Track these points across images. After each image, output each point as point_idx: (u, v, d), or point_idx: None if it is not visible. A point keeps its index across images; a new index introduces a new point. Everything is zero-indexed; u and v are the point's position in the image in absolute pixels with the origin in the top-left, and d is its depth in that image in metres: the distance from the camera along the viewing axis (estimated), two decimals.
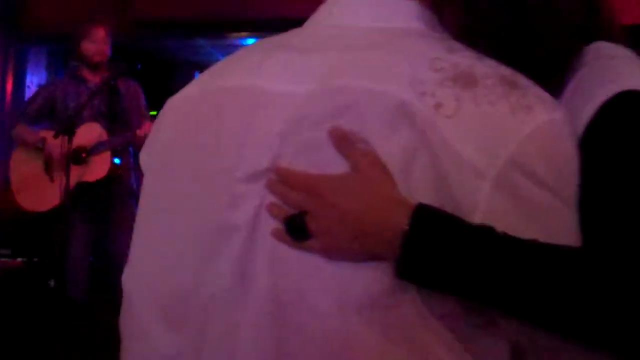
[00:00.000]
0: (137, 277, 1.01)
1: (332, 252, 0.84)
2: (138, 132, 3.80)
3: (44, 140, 3.91)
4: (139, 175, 5.53)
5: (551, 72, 0.96)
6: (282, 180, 0.86)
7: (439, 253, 0.80)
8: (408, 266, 0.80)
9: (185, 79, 8.90)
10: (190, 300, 0.91)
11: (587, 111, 0.91)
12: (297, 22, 3.66)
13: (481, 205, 0.80)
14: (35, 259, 5.01)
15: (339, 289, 0.83)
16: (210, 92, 0.98)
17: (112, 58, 4.11)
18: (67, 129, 3.61)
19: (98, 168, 3.80)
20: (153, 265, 0.98)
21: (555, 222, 0.83)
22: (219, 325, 0.89)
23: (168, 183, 0.99)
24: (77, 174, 3.69)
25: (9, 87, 6.33)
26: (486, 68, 0.86)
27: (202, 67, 9.05)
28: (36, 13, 6.35)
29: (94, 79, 4.03)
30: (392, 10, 0.96)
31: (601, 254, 0.81)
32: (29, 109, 4.10)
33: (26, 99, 6.24)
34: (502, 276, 0.79)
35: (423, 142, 0.81)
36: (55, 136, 3.66)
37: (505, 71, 0.87)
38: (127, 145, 3.92)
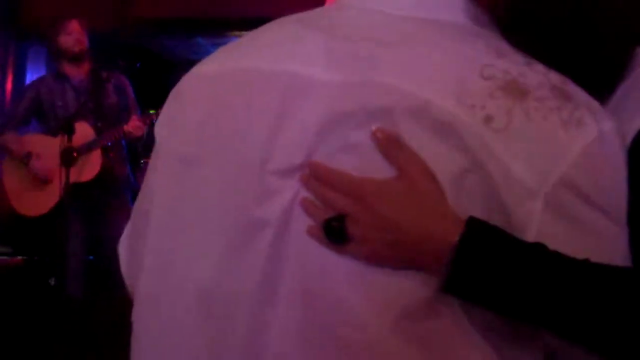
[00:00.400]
0: (161, 276, 0.93)
1: (371, 259, 0.79)
2: (125, 127, 3.78)
3: (29, 155, 3.89)
4: (135, 166, 5.54)
5: (608, 76, 0.92)
6: (320, 177, 0.81)
7: (489, 269, 0.77)
8: (456, 280, 0.77)
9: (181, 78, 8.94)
10: (214, 297, 0.86)
11: (638, 118, 0.86)
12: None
13: (533, 224, 0.78)
14: (36, 257, 5.01)
15: (376, 298, 0.79)
16: (237, 74, 0.90)
17: (110, 56, 4.10)
18: (65, 127, 3.62)
19: (90, 168, 3.78)
20: (178, 262, 0.91)
21: (606, 242, 0.80)
22: (244, 324, 0.84)
23: (190, 170, 0.90)
24: (71, 175, 3.68)
25: (9, 85, 6.34)
26: (537, 76, 0.82)
27: None
28: (36, 11, 6.34)
29: (77, 74, 4.00)
30: (435, 0, 0.90)
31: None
32: (17, 110, 4.08)
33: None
34: (552, 295, 0.76)
35: (472, 158, 0.77)
36: (54, 134, 3.67)
37: (556, 79, 0.83)
38: (117, 141, 3.88)
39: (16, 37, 6.42)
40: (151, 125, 3.88)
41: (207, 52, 5.22)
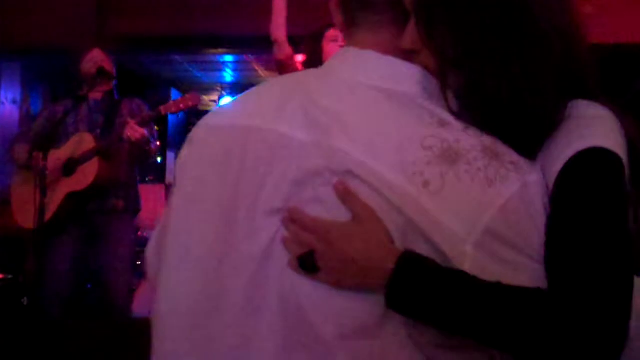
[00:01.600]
0: (170, 296, 1.11)
1: (336, 284, 1.01)
2: (124, 133, 3.71)
3: (31, 162, 3.87)
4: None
5: (538, 132, 1.07)
6: (295, 220, 1.03)
7: (418, 287, 0.97)
8: (393, 296, 0.98)
9: (161, 94, 8.91)
10: (211, 315, 1.06)
11: (557, 165, 1.02)
12: (270, 39, 3.61)
13: (467, 261, 0.97)
14: (10, 277, 4.95)
15: (332, 318, 1.01)
16: (237, 129, 1.11)
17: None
18: (42, 146, 3.58)
19: (84, 176, 3.74)
20: (181, 281, 1.10)
21: (529, 276, 0.99)
22: (231, 339, 1.05)
23: (194, 206, 1.11)
24: (68, 186, 3.65)
25: None
26: (471, 139, 1.03)
27: (177, 82, 9.06)
28: (9, 27, 6.30)
29: (95, 96, 4.01)
30: (398, 73, 1.11)
31: (545, 293, 0.97)
32: (29, 131, 4.09)
33: (0, 115, 6.20)
34: (462, 307, 0.96)
35: (406, 218, 0.99)
36: (29, 152, 3.64)
37: (488, 140, 1.03)
38: (117, 150, 3.84)
39: None
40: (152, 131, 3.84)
41: (182, 69, 5.23)
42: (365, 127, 1.04)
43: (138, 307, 5.26)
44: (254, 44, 6.52)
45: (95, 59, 4.04)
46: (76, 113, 3.93)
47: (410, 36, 1.10)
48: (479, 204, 0.98)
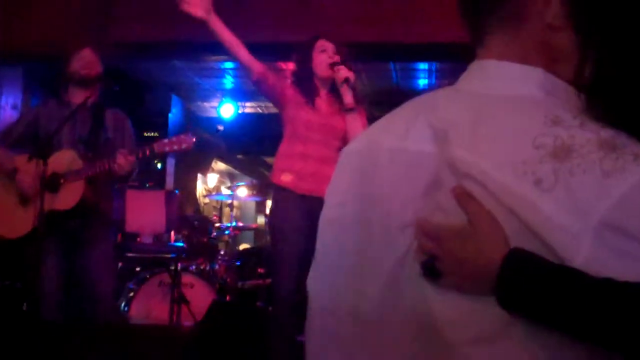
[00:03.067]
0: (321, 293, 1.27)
1: (458, 288, 1.06)
2: (112, 163, 3.67)
3: (15, 170, 3.82)
4: (122, 196, 5.51)
5: None
6: (421, 229, 1.10)
7: (524, 281, 0.98)
8: (500, 292, 1.00)
9: (161, 100, 8.92)
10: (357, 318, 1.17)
11: None
12: (270, 46, 3.67)
13: (581, 256, 0.96)
14: (7, 283, 4.95)
15: (465, 322, 1.05)
16: (370, 151, 1.23)
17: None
18: (42, 153, 3.56)
19: (69, 197, 3.70)
20: (329, 283, 1.25)
21: None
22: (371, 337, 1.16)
23: (342, 223, 1.26)
24: (50, 201, 3.62)
25: None
26: (586, 134, 1.01)
27: (178, 88, 9.07)
28: (11, 33, 6.31)
29: (79, 102, 3.90)
30: (515, 77, 1.15)
31: None
32: (13, 129, 4.00)
33: (0, 120, 6.20)
34: (572, 304, 0.95)
35: (521, 221, 1.00)
36: (29, 159, 3.61)
37: (607, 134, 1.01)
38: (103, 174, 3.80)
39: None
40: (144, 159, 3.81)
41: (183, 75, 5.24)
42: (482, 133, 1.08)
43: (135, 313, 5.28)
44: (254, 51, 6.54)
45: (86, 59, 3.98)
46: (58, 117, 3.89)
47: (553, 9, 1.11)
48: (595, 196, 0.96)
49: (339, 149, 3.78)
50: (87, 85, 3.92)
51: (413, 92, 8.85)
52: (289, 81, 3.88)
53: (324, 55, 3.81)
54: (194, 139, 3.73)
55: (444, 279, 1.06)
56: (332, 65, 3.75)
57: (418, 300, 1.09)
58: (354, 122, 3.77)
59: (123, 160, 3.63)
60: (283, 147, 3.82)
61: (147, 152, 3.70)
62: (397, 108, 1.28)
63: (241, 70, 8.42)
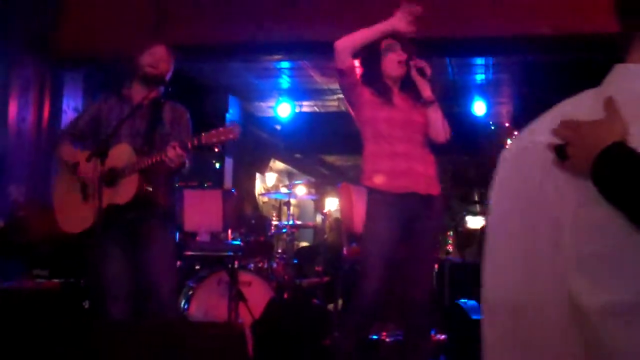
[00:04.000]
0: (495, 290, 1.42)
1: (576, 169, 1.26)
2: (164, 156, 3.71)
3: (77, 164, 3.89)
4: (180, 196, 5.57)
5: None
6: (562, 124, 1.30)
7: (618, 165, 1.19)
8: (596, 171, 1.20)
9: (219, 101, 9.01)
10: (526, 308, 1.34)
11: None
12: (326, 45, 3.65)
13: None
14: (72, 280, 5.06)
15: (606, 300, 1.22)
16: (521, 149, 1.41)
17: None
18: (100, 152, 3.62)
19: (126, 190, 3.76)
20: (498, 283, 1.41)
21: None
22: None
23: (504, 220, 1.41)
24: (109, 196, 3.68)
25: (46, 112, 6.43)
26: None
27: (235, 89, 9.15)
28: (71, 37, 6.46)
29: (141, 98, 3.92)
30: None
31: None
32: (77, 125, 4.07)
33: (63, 124, 6.34)
34: None
35: None
36: (88, 160, 3.67)
37: None
38: (156, 167, 3.85)
39: (52, 62, 6.51)
40: (197, 151, 3.85)
41: (239, 76, 5.25)
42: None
43: (194, 311, 5.35)
44: (310, 50, 6.57)
45: (157, 57, 4.01)
46: (120, 115, 3.94)
47: None
48: None
49: (423, 143, 3.78)
50: (151, 83, 3.95)
51: (469, 87, 8.78)
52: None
53: (393, 55, 3.78)
54: (240, 128, 3.74)
55: (569, 161, 1.26)
56: (406, 62, 3.74)
57: (573, 290, 1.26)
58: (435, 114, 3.77)
59: (172, 152, 3.66)
60: (369, 149, 3.79)
61: (195, 142, 3.72)
62: (549, 110, 1.42)
63: (297, 70, 8.46)
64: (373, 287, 3.60)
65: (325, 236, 8.80)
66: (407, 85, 3.80)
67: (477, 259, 8.86)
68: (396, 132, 3.73)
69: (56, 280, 5.19)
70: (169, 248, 3.97)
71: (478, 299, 5.52)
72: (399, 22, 3.73)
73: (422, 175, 3.73)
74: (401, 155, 3.71)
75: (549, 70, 7.66)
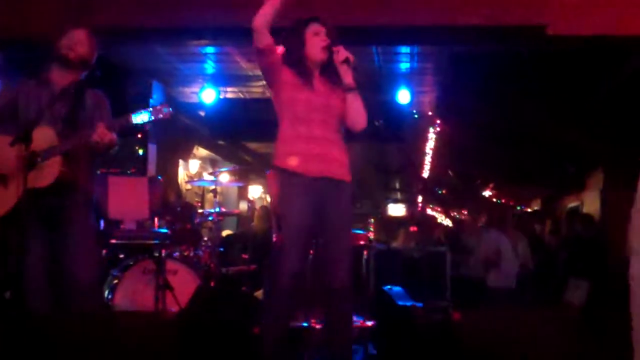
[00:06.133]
0: None
1: None
2: (91, 137, 3.65)
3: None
4: (100, 182, 5.46)
5: None
6: None
7: None
8: None
9: (142, 86, 8.86)
10: None
11: None
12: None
13: None
14: None
15: None
16: None
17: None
18: (24, 137, 3.53)
19: (47, 173, 3.67)
20: None
21: None
22: None
23: None
24: (29, 180, 3.58)
25: None
26: None
27: (159, 74, 9.01)
28: None
29: (61, 81, 3.88)
30: None
31: None
32: None
33: None
34: None
35: None
36: (12, 144, 3.57)
37: None
38: (80, 149, 3.76)
39: None
40: (121, 134, 3.78)
41: (164, 61, 5.17)
42: None
43: (119, 300, 5.26)
44: (236, 35, 6.50)
45: (76, 41, 3.93)
46: (38, 99, 3.85)
47: None
48: None
49: (338, 129, 3.80)
50: (68, 66, 3.88)
51: (394, 75, 8.88)
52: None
53: (317, 39, 3.80)
54: (171, 110, 3.70)
55: None
56: (329, 47, 3.75)
57: None
58: (355, 102, 3.79)
59: (100, 133, 3.60)
60: (284, 131, 3.79)
61: (124, 123, 3.67)
62: None
63: (222, 55, 8.37)
64: (289, 269, 3.61)
65: (253, 224, 8.79)
66: (328, 70, 3.82)
67: (399, 246, 8.99)
68: (314, 115, 3.74)
69: None
70: (89, 235, 3.90)
71: (404, 285, 5.61)
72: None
73: (337, 160, 3.77)
74: (317, 139, 3.73)
75: (473, 60, 7.80)
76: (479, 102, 8.75)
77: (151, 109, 3.72)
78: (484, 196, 16.63)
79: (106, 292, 5.31)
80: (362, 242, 6.21)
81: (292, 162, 3.70)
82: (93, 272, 3.92)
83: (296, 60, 3.80)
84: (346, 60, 3.73)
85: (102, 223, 5.49)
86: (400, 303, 4.96)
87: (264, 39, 3.68)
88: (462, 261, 8.07)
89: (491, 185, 16.27)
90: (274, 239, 5.25)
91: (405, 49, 8.06)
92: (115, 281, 5.33)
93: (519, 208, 15.62)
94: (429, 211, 18.52)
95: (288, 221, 3.68)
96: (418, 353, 4.21)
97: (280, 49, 3.80)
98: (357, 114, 3.80)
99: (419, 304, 4.88)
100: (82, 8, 5.93)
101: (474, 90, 8.49)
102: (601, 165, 10.67)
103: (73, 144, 3.67)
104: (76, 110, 3.85)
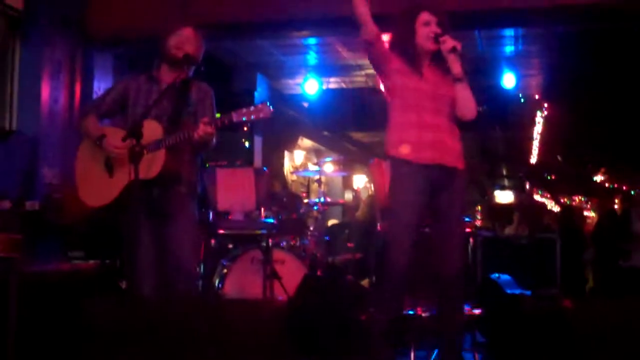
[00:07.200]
0: None
1: None
2: (194, 132, 3.73)
3: (102, 137, 3.91)
4: (209, 175, 5.60)
5: None
6: None
7: None
8: None
9: (247, 79, 9.01)
10: None
11: None
12: (353, 20, 3.62)
13: None
14: (108, 261, 5.11)
15: None
16: None
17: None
18: (135, 132, 3.64)
19: (151, 167, 3.78)
20: None
21: None
22: None
23: None
24: (134, 172, 3.70)
25: (78, 93, 6.47)
26: None
27: (263, 67, 9.14)
28: (101, 17, 6.49)
29: (169, 79, 3.95)
30: None
31: None
32: (104, 100, 4.09)
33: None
34: None
35: None
36: (124, 139, 3.69)
37: None
38: (183, 143, 3.86)
39: (83, 43, 6.55)
40: (226, 129, 3.86)
41: (267, 54, 5.23)
42: None
43: (229, 289, 5.38)
44: (336, 26, 6.52)
45: (183, 38, 3.99)
46: (147, 95, 3.96)
47: None
48: None
49: (450, 116, 3.76)
50: (176, 64, 3.96)
51: (498, 59, 8.69)
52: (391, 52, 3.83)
53: (427, 29, 3.76)
54: (272, 108, 3.74)
55: None
56: (437, 37, 3.71)
57: None
58: (464, 91, 3.74)
59: (203, 129, 3.69)
60: (395, 119, 3.78)
61: (226, 121, 3.74)
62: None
63: (324, 46, 8.42)
64: (401, 258, 3.62)
65: (357, 213, 8.81)
66: (438, 59, 3.77)
67: (507, 234, 8.82)
68: (425, 102, 3.71)
69: (92, 261, 5.25)
70: (191, 225, 4.00)
71: (511, 273, 5.51)
72: None
73: (450, 148, 3.73)
74: (429, 126, 3.70)
75: (579, 41, 7.56)
76: (587, 84, 8.49)
77: (252, 107, 3.77)
78: (595, 181, 16.10)
79: (216, 282, 5.43)
80: (467, 230, 6.12)
81: (405, 150, 3.68)
82: (194, 260, 4.03)
83: (406, 49, 3.77)
84: (453, 50, 3.68)
85: (210, 214, 5.60)
86: (509, 291, 4.89)
87: (369, 28, 3.69)
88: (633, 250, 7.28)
89: (602, 170, 15.72)
90: (378, 228, 5.25)
91: (509, 32, 7.89)
92: (225, 271, 5.45)
93: (633, 193, 15.03)
94: (538, 197, 18.08)
95: (399, 212, 3.68)
96: (526, 342, 4.13)
97: (387, 36, 3.79)
98: (466, 103, 3.74)
99: (527, 292, 4.79)
100: (186, 4, 6.08)
101: (582, 71, 8.24)
102: None
103: (176, 139, 3.77)
104: (180, 106, 3.94)
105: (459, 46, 3.68)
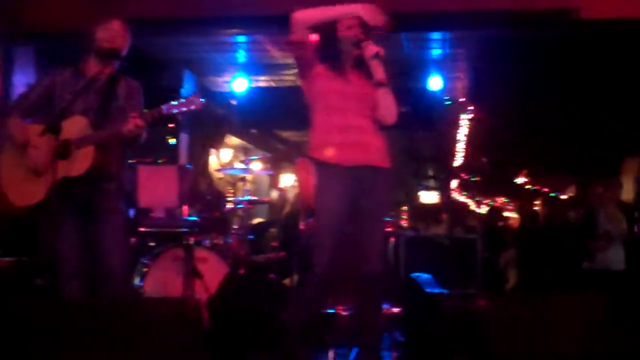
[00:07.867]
0: None
1: None
2: (124, 127, 3.70)
3: (27, 144, 3.84)
4: (134, 172, 5.54)
5: None
6: None
7: None
8: None
9: (175, 76, 8.92)
10: None
11: None
12: (284, 19, 3.64)
13: None
14: (24, 258, 5.01)
15: None
16: None
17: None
18: (53, 127, 3.58)
19: (80, 163, 3.72)
20: None
21: None
22: None
23: None
24: (62, 169, 3.64)
25: None
26: None
27: (191, 63, 9.06)
28: (24, 12, 6.34)
29: (96, 72, 3.90)
30: None
31: None
32: (25, 101, 4.01)
33: (14, 97, 6.24)
34: None
35: None
36: (42, 134, 3.63)
37: None
38: (113, 140, 3.82)
39: (3, 37, 6.39)
40: (152, 124, 3.83)
41: (195, 51, 5.20)
42: None
43: (150, 288, 5.34)
44: (266, 24, 6.53)
45: (113, 32, 3.96)
46: (73, 88, 3.90)
47: None
48: None
49: (373, 119, 3.79)
50: (106, 58, 3.92)
51: (425, 62, 8.82)
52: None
53: (350, 33, 3.79)
54: (203, 101, 3.73)
55: None
56: (359, 42, 3.74)
57: None
58: (386, 96, 3.77)
59: (133, 124, 3.65)
60: (319, 122, 3.80)
61: (156, 114, 3.71)
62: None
63: (253, 44, 8.40)
64: (324, 260, 3.65)
65: (285, 211, 8.82)
66: (361, 63, 3.81)
67: (430, 233, 8.96)
68: (349, 104, 3.74)
69: (8, 259, 5.13)
70: (120, 223, 3.95)
71: (434, 273, 5.61)
72: (365, 12, 3.75)
73: (375, 148, 3.77)
74: (353, 128, 3.73)
75: (505, 45, 7.71)
76: (512, 88, 8.67)
77: (183, 100, 3.75)
78: (517, 183, 16.48)
79: (136, 280, 5.38)
80: (390, 229, 6.21)
81: (328, 152, 3.71)
82: (124, 259, 3.98)
83: (330, 54, 3.80)
84: (376, 55, 3.72)
85: (131, 211, 5.55)
86: (428, 290, 4.97)
87: (302, 33, 3.71)
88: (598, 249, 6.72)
89: (525, 172, 16.12)
90: (301, 227, 5.28)
91: (436, 35, 8.00)
92: (145, 269, 5.40)
93: (552, 195, 15.46)
94: (462, 199, 18.41)
95: (323, 215, 3.71)
96: (443, 340, 4.21)
97: (313, 38, 3.81)
98: (388, 108, 3.78)
99: (446, 291, 4.88)
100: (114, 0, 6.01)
101: (508, 75, 8.41)
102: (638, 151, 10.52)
103: (105, 135, 3.72)
104: (108, 101, 3.90)
105: (381, 52, 3.72)
